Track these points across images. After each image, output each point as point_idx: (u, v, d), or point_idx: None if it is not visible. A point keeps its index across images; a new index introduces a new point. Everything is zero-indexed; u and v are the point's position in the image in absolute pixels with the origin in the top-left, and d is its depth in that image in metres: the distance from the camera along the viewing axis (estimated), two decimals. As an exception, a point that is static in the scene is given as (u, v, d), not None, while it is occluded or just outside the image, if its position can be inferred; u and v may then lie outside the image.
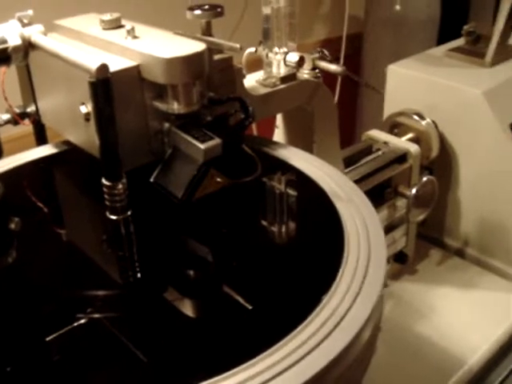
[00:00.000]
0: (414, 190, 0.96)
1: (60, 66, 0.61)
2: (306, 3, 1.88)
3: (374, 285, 0.53)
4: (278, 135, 0.88)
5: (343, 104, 1.81)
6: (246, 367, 0.45)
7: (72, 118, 0.64)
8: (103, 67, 0.54)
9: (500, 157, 1.04)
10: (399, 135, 1.07)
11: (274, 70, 0.78)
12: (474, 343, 0.96)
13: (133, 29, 0.63)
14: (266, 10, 0.75)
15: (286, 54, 0.76)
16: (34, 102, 0.74)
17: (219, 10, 0.67)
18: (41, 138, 0.80)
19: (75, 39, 0.67)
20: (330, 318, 0.49)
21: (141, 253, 0.61)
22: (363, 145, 1.03)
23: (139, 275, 0.61)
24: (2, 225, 0.60)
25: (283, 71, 0.77)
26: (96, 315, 0.55)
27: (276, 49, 0.77)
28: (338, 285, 0.53)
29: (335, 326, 0.49)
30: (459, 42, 1.20)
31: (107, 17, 0.66)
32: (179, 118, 0.62)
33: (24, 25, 0.62)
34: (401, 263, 1.06)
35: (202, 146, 0.59)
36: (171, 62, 0.58)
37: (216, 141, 0.60)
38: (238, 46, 0.61)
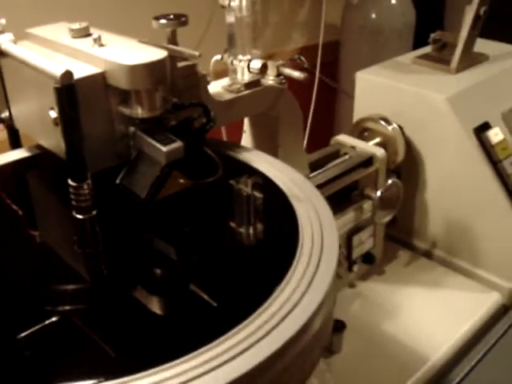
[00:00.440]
0: (378, 193, 0.99)
1: (30, 72, 0.64)
2: (284, 11, 1.92)
3: (326, 275, 0.56)
4: (246, 139, 0.92)
5: (321, 109, 1.86)
6: (188, 358, 0.48)
7: (42, 123, 0.67)
8: (67, 73, 0.57)
9: (464, 160, 1.07)
10: (368, 139, 1.10)
11: (239, 76, 0.81)
12: (438, 341, 0.99)
13: (99, 37, 0.66)
14: (230, 20, 0.79)
15: (250, 61, 0.79)
16: (8, 107, 0.77)
17: (183, 19, 0.70)
18: (15, 142, 0.82)
19: (45, 47, 0.70)
20: (283, 307, 0.53)
21: (107, 251, 0.64)
22: (331, 149, 1.06)
23: (105, 272, 0.64)
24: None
25: (247, 77, 0.81)
26: (65, 310, 0.58)
27: (240, 56, 0.80)
28: (291, 277, 0.56)
29: (287, 314, 0.52)
30: (427, 49, 1.24)
31: (76, 26, 0.69)
32: (144, 123, 0.66)
33: (-4, 33, 0.65)
34: (369, 264, 1.09)
35: (164, 149, 0.62)
36: (134, 69, 0.61)
37: (178, 143, 0.63)
38: (197, 53, 0.64)
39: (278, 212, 0.68)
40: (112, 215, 0.67)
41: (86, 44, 0.67)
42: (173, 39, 0.71)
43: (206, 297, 0.58)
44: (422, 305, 1.07)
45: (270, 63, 0.81)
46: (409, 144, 1.12)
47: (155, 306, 0.61)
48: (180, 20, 0.70)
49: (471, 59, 1.18)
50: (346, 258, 1.04)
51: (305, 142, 1.68)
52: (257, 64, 0.78)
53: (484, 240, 1.10)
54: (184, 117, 0.68)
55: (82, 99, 0.59)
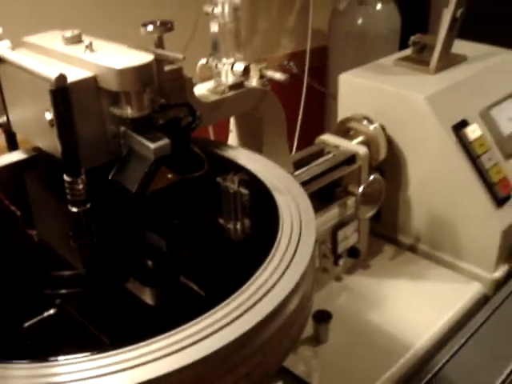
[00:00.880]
0: (361, 189, 1.04)
1: (26, 77, 0.68)
2: (272, 18, 1.97)
3: (303, 260, 0.61)
4: (232, 138, 0.97)
5: (311, 112, 1.91)
6: (181, 329, 0.53)
7: (39, 125, 0.71)
8: (61, 77, 0.61)
9: (444, 157, 1.12)
10: (352, 138, 1.15)
11: (223, 78, 0.86)
12: (422, 329, 1.03)
13: (91, 44, 0.71)
14: (214, 25, 0.83)
15: (233, 64, 0.84)
16: (5, 112, 0.81)
17: (169, 25, 0.75)
18: (13, 146, 0.86)
19: (41, 53, 0.75)
20: (261, 288, 0.57)
21: (101, 242, 0.69)
22: (316, 148, 1.11)
23: (100, 262, 0.69)
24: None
25: (231, 80, 0.86)
26: (61, 300, 0.62)
27: (224, 59, 0.85)
28: (270, 261, 0.61)
29: (265, 294, 0.56)
30: (407, 51, 1.28)
31: (69, 33, 0.74)
32: (134, 122, 0.70)
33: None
34: (354, 258, 1.13)
35: (152, 146, 0.67)
36: (123, 72, 0.66)
37: (165, 141, 0.68)
38: (181, 56, 0.69)
39: (260, 203, 0.73)
40: (105, 209, 0.72)
41: (78, 50, 0.71)
42: (159, 44, 0.76)
43: (194, 279, 0.63)
44: (406, 296, 1.11)
45: (252, 66, 0.85)
46: (391, 142, 1.16)
47: (145, 292, 0.66)
48: (166, 26, 0.75)
49: (449, 60, 1.22)
50: (332, 252, 1.08)
51: (295, 143, 1.74)
52: (239, 67, 0.83)
53: (465, 233, 1.14)
54: (171, 116, 0.73)
55: (76, 101, 0.64)
